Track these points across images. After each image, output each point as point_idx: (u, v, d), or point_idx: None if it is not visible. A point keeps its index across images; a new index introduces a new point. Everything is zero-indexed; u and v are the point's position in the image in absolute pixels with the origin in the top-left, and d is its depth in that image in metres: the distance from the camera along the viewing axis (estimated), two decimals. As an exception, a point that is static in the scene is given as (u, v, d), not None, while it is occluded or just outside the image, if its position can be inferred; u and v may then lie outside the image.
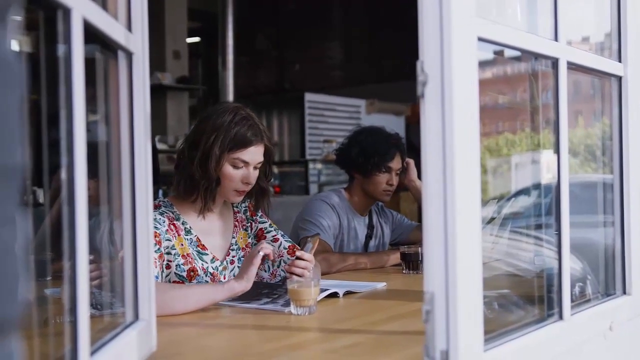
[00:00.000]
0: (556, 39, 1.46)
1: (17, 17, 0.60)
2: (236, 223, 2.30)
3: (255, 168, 2.16)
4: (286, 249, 2.28)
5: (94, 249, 1.11)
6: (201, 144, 2.09)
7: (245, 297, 2.00)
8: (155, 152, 4.70)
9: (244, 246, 2.30)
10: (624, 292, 1.74)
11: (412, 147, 3.80)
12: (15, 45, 0.59)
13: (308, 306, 1.80)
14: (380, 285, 2.28)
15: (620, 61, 1.73)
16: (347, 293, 2.11)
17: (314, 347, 1.54)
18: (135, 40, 1.31)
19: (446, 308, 1.12)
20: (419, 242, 2.91)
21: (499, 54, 1.43)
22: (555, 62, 1.46)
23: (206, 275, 2.15)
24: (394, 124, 6.17)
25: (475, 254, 1.17)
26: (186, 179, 2.13)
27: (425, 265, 1.15)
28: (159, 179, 4.59)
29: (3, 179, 0.55)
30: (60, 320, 1.42)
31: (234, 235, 2.28)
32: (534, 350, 1.36)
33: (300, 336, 1.63)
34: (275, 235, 2.32)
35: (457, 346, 1.12)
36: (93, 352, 1.05)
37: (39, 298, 1.50)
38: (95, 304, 1.29)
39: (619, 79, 1.74)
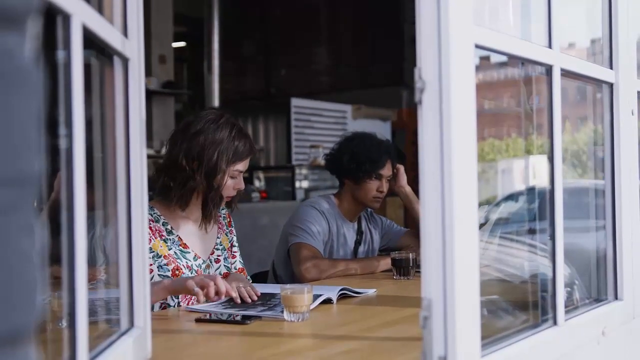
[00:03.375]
0: (550, 46, 1.47)
1: (35, 26, 0.60)
2: (220, 225, 2.40)
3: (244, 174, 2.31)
4: (236, 269, 2.40)
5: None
6: (204, 159, 2.17)
7: (241, 305, 2.00)
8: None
9: (228, 247, 2.41)
10: (616, 298, 1.76)
11: (397, 152, 3.80)
12: (33, 53, 0.59)
13: (301, 312, 1.80)
14: (371, 292, 2.28)
15: (611, 68, 1.75)
16: (342, 296, 2.11)
17: (310, 354, 1.53)
18: (131, 45, 1.30)
19: (444, 314, 1.12)
20: (408, 247, 2.91)
21: (485, 59, 1.44)
22: (549, 69, 1.46)
23: (191, 272, 2.23)
24: (380, 129, 6.18)
25: (473, 260, 1.17)
26: (188, 191, 2.20)
27: (423, 271, 1.15)
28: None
29: (22, 187, 0.54)
30: (52, 327, 1.41)
31: (219, 235, 2.38)
32: (530, 355, 1.37)
33: (295, 343, 1.63)
34: (236, 252, 2.46)
35: (455, 352, 1.12)
36: (90, 360, 1.04)
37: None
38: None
39: (611, 85, 1.75)
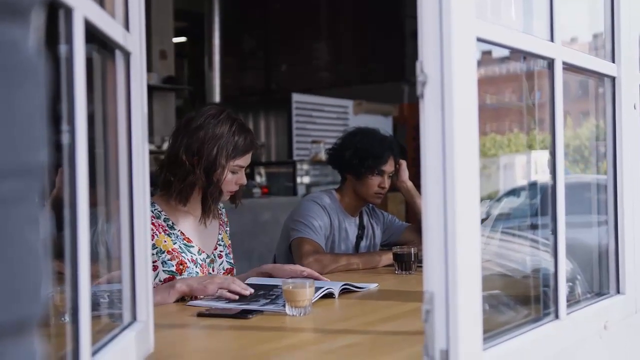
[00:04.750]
0: (552, 39, 1.46)
1: (39, 17, 0.60)
2: (221, 222, 2.42)
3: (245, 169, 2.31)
4: (224, 270, 2.38)
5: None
6: (203, 154, 2.18)
7: (243, 299, 2.00)
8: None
9: (228, 245, 2.43)
10: (618, 292, 1.76)
11: (400, 149, 3.80)
12: (37, 45, 0.59)
13: (303, 307, 1.80)
14: (373, 286, 2.28)
15: (613, 62, 1.74)
16: (344, 291, 2.11)
17: (312, 348, 1.53)
18: (133, 40, 1.30)
19: (446, 308, 1.13)
20: (410, 242, 2.91)
21: (486, 53, 1.43)
22: (551, 63, 1.46)
23: (196, 266, 2.22)
24: (381, 125, 6.17)
25: (475, 254, 1.17)
26: (187, 186, 2.21)
27: (425, 265, 1.15)
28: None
29: (28, 178, 0.55)
30: (55, 322, 1.41)
31: (220, 232, 2.40)
32: (532, 349, 1.37)
33: (296, 337, 1.63)
34: (229, 252, 2.46)
35: (457, 345, 1.12)
36: (93, 354, 1.04)
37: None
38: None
39: (613, 79, 1.75)
